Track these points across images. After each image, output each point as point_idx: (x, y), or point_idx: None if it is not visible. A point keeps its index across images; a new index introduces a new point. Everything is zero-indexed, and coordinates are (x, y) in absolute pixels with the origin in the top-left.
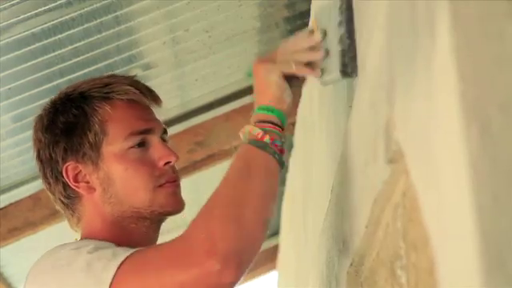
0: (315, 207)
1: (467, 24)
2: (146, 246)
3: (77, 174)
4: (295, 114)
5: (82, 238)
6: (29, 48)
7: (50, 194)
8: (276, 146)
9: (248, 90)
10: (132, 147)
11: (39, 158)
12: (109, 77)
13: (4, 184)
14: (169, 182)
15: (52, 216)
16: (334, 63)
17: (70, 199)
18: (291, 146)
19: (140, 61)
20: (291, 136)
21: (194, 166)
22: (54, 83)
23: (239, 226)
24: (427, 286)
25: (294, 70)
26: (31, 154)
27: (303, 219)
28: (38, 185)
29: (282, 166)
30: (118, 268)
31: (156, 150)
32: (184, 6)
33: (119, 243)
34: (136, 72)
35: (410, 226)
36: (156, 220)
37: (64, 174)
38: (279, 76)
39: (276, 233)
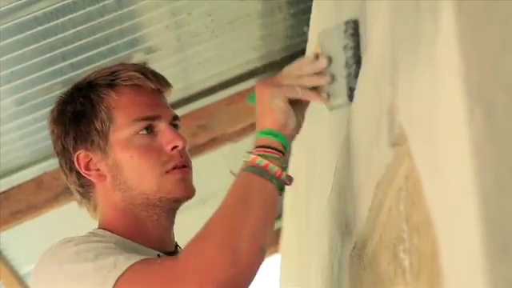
0: (318, 190)
1: (471, 8)
2: (150, 258)
3: (88, 162)
4: None
5: (98, 227)
6: (31, 32)
7: (69, 185)
8: (275, 172)
9: (251, 74)
10: (138, 133)
11: (55, 149)
12: (117, 65)
13: (6, 167)
14: (177, 167)
15: (54, 199)
16: (340, 88)
17: (85, 188)
18: None
19: (142, 44)
20: None
21: (197, 150)
22: (56, 67)
23: (235, 254)
24: (430, 269)
25: (299, 95)
26: (33, 138)
27: (306, 202)
28: (40, 168)
29: (282, 190)
30: (117, 281)
31: (163, 135)
32: None
33: (132, 232)
34: (138, 55)
35: (412, 210)
36: (166, 207)
37: (76, 163)
38: (284, 101)
39: (279, 216)
